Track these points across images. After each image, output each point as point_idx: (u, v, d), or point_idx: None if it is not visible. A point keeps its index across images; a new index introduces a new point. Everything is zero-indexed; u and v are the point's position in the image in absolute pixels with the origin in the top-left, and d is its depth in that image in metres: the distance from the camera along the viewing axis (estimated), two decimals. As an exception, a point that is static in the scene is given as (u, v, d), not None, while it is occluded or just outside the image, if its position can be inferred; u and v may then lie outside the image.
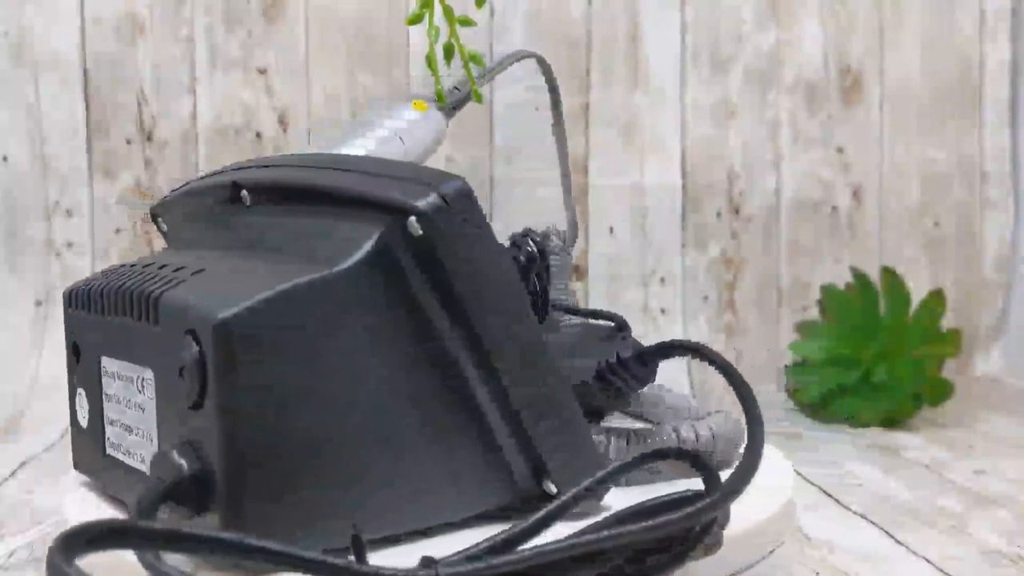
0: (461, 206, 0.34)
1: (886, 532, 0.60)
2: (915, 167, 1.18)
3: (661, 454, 0.34)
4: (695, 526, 0.32)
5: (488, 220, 0.35)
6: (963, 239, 1.20)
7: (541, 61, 0.58)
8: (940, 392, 0.95)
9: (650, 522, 0.30)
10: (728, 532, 0.36)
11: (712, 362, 0.36)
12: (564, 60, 1.10)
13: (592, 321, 0.51)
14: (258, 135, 1.06)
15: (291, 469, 0.32)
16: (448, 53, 0.71)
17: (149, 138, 1.04)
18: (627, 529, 0.30)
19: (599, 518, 0.32)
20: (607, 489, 0.37)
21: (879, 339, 0.94)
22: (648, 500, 0.33)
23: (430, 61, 0.70)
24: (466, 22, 0.70)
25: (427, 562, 0.28)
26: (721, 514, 0.33)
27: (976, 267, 1.20)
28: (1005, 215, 1.20)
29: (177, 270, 0.37)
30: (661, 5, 1.12)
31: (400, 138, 0.51)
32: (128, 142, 1.04)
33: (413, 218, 0.33)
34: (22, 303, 1.01)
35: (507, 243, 0.51)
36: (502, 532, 0.30)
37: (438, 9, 0.69)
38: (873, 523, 0.62)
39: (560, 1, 1.11)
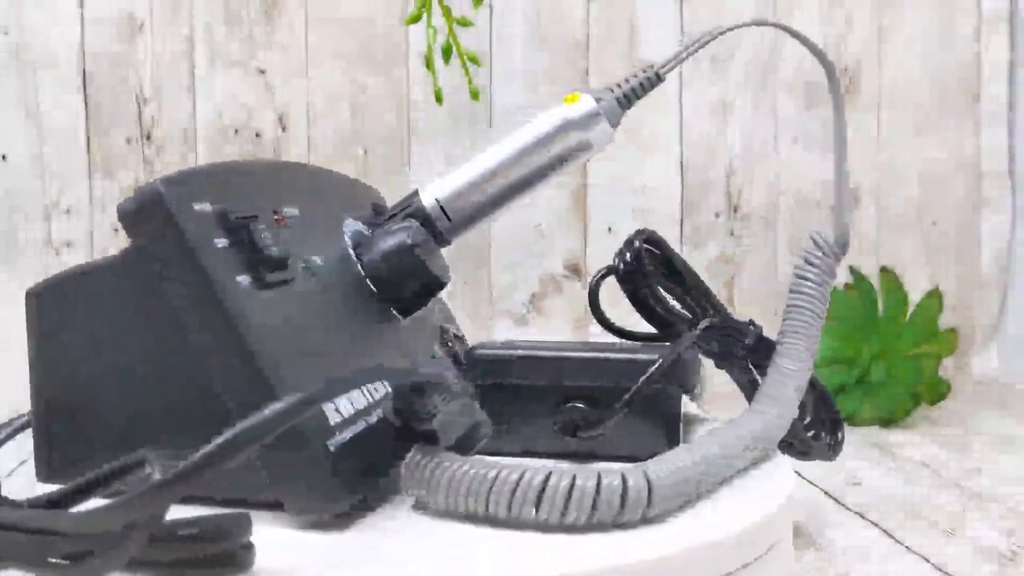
0: (148, 208, 0.36)
1: (884, 530, 0.61)
2: (913, 167, 1.19)
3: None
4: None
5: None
6: (961, 238, 1.20)
7: (788, 30, 0.49)
8: (938, 391, 0.95)
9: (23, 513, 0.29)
10: (728, 531, 0.37)
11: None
12: (562, 59, 1.10)
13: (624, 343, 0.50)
14: (257, 135, 1.06)
15: (73, 412, 0.39)
16: (447, 53, 0.71)
17: (148, 137, 1.04)
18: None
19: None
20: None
21: (877, 338, 0.95)
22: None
23: (428, 61, 0.70)
24: (464, 22, 0.70)
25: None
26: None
27: (974, 266, 1.20)
28: (1002, 214, 1.20)
29: None
30: (660, 4, 1.13)
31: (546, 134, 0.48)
32: (127, 141, 1.04)
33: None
34: (21, 303, 1.01)
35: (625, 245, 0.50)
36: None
37: (436, 9, 0.69)
38: (871, 521, 0.62)
39: (559, 1, 1.11)
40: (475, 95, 0.70)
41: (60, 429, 0.41)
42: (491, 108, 1.09)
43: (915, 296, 0.98)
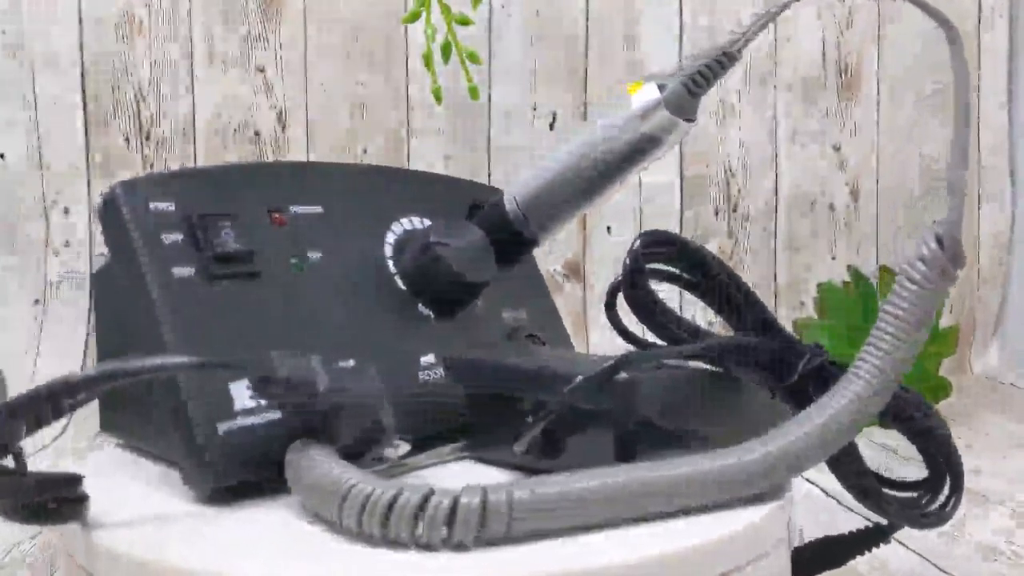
0: (107, 207, 0.41)
1: (883, 530, 0.60)
2: (912, 162, 1.18)
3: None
4: None
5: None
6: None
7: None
8: (938, 391, 0.95)
9: None
10: (726, 530, 0.36)
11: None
12: (561, 59, 1.10)
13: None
14: (256, 134, 1.06)
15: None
16: (446, 51, 0.71)
17: (147, 137, 1.04)
18: None
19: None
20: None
21: (877, 337, 0.94)
22: None
23: (427, 59, 0.70)
24: (464, 21, 0.70)
25: None
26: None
27: (973, 263, 1.20)
28: (1002, 211, 1.20)
29: None
30: (660, 3, 1.12)
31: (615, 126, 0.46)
32: (126, 141, 1.04)
33: None
34: (20, 302, 1.01)
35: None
36: None
37: (435, 8, 0.69)
38: (871, 522, 0.62)
39: (558, 0, 1.11)
40: (474, 93, 0.70)
41: (112, 389, 0.45)
42: (490, 107, 1.09)
43: (915, 295, 0.98)
